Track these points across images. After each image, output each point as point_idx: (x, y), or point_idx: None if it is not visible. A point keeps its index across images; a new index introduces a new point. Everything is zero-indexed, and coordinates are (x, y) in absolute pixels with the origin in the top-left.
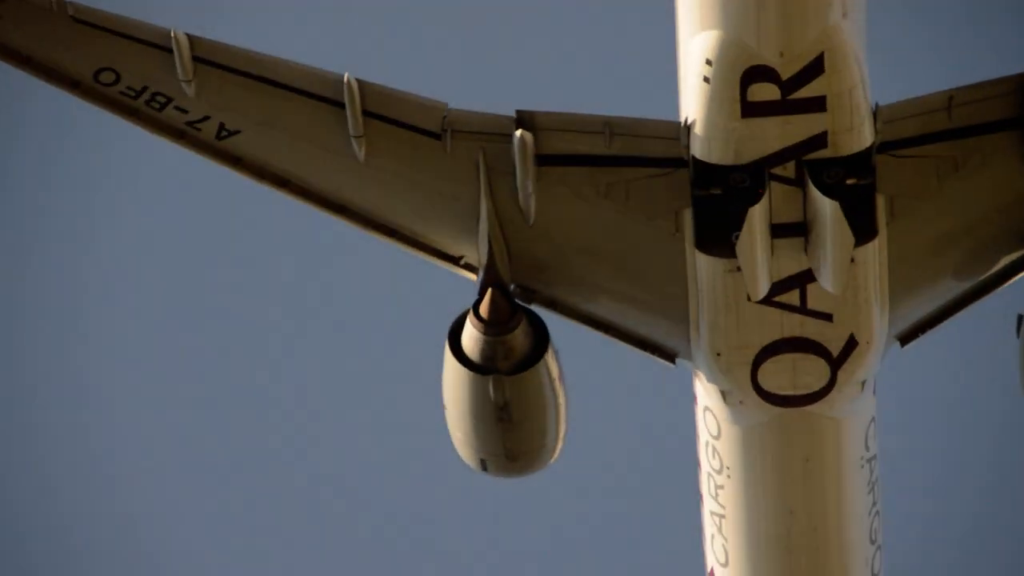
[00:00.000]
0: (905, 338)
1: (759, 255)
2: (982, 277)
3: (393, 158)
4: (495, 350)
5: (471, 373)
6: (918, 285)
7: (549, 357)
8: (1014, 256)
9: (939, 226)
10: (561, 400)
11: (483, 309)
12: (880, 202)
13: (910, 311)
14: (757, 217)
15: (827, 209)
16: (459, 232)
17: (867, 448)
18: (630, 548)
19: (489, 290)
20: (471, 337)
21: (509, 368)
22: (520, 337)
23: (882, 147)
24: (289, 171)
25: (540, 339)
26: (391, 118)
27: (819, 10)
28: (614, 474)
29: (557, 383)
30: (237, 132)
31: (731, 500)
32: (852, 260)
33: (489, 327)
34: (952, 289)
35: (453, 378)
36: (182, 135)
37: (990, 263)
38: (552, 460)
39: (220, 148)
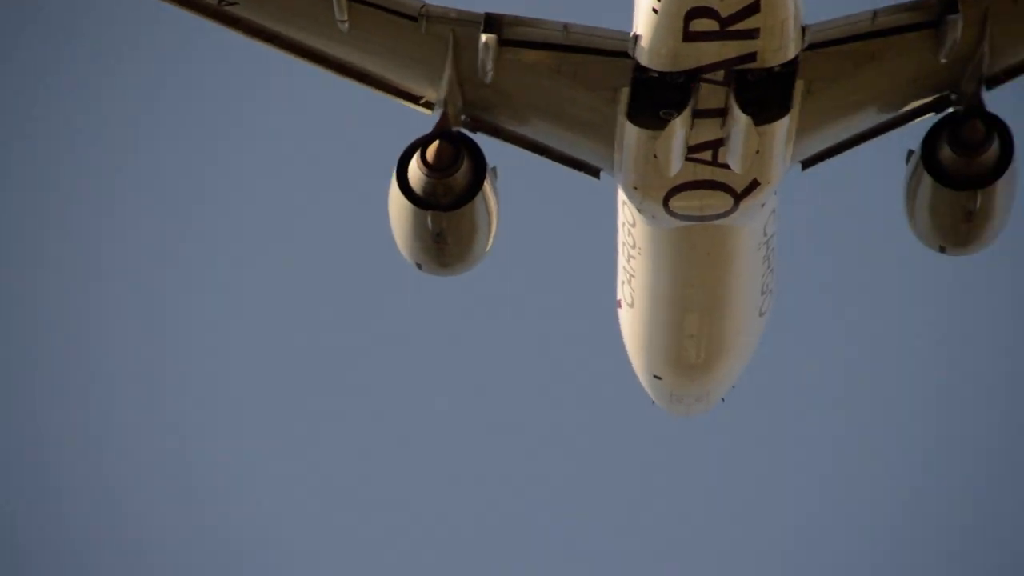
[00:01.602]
0: (808, 163)
1: (678, 137)
2: (885, 120)
3: (373, 32)
4: (436, 189)
5: (412, 206)
6: (824, 135)
7: (486, 188)
8: (918, 103)
9: (851, 98)
10: (493, 221)
11: (429, 155)
12: (798, 84)
13: (814, 148)
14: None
15: (743, 120)
16: (423, 82)
17: (765, 233)
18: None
19: (437, 140)
20: (415, 175)
21: (448, 203)
22: (460, 178)
23: (807, 48)
24: (279, 33)
25: (479, 174)
26: (373, 3)
27: None
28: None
29: (491, 206)
30: (235, 3)
31: (640, 269)
32: (762, 134)
33: (432, 171)
34: (856, 129)
35: (397, 203)
36: (189, 4)
37: (895, 112)
38: (480, 262)
39: (221, 12)
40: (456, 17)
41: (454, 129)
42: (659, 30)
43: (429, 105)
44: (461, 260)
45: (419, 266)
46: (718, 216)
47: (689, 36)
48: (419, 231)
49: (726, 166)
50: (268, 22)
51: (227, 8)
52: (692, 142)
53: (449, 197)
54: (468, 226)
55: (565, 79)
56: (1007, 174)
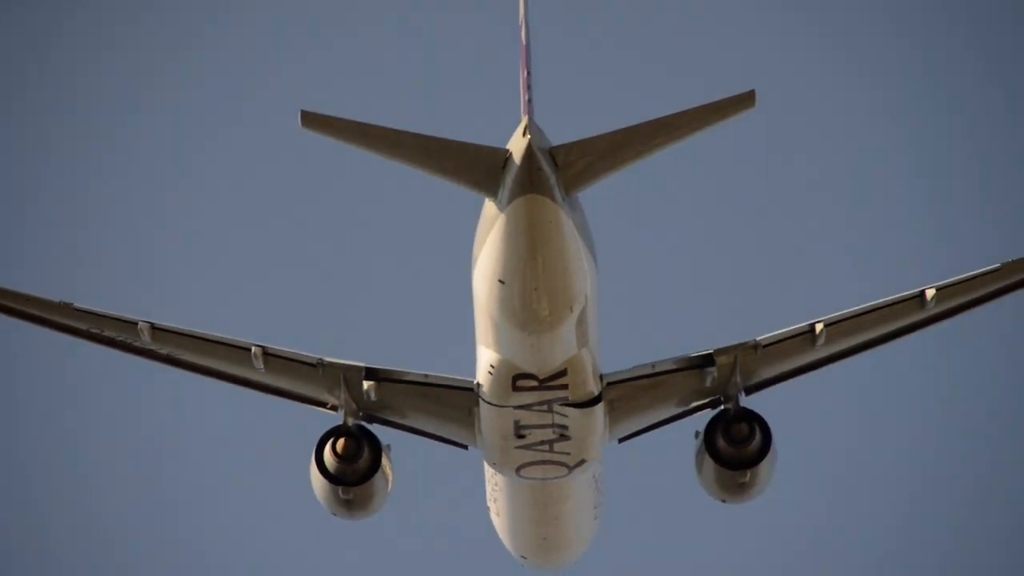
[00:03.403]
0: (623, 439)
1: (512, 445)
2: (674, 415)
3: (283, 372)
4: (344, 472)
5: (327, 482)
6: (630, 425)
7: (383, 462)
8: (696, 404)
9: (644, 406)
10: (390, 484)
11: (338, 447)
12: (604, 404)
13: (625, 432)
14: (517, 426)
15: (571, 417)
16: (326, 395)
17: (595, 477)
18: None
19: (343, 438)
20: (328, 460)
21: (354, 480)
22: (363, 463)
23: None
24: (211, 369)
25: (376, 457)
26: (284, 357)
27: (564, 351)
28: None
29: (388, 474)
30: (180, 352)
31: (501, 498)
32: (584, 432)
33: (340, 459)
34: (653, 420)
35: (316, 479)
36: (141, 353)
37: (680, 410)
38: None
39: (169, 359)
40: (344, 366)
41: (352, 423)
42: (493, 385)
43: (334, 408)
44: (365, 512)
45: (332, 512)
46: (557, 478)
47: (516, 389)
48: (333, 497)
49: (560, 452)
50: (202, 364)
51: (174, 355)
52: (532, 441)
53: (355, 476)
54: (370, 492)
55: (432, 402)
56: (768, 458)
